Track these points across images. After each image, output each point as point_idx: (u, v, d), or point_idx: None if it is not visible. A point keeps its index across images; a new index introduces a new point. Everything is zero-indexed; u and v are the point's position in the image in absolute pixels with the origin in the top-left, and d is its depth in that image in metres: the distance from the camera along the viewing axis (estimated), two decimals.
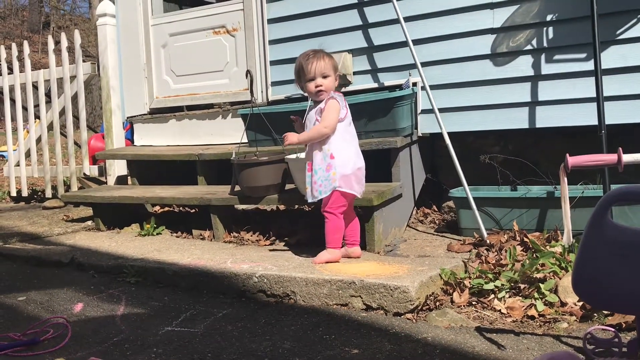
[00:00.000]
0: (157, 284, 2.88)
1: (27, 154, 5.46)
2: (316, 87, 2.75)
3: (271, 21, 4.23)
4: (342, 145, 2.76)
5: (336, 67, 2.82)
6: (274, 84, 4.26)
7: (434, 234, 3.40)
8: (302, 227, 3.41)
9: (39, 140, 5.37)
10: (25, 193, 5.49)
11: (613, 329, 1.89)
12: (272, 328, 2.25)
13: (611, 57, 3.17)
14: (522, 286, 2.39)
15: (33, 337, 2.20)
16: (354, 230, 2.89)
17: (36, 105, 5.42)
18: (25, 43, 5.37)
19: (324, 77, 2.75)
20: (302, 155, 3.10)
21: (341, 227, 2.80)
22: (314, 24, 4.04)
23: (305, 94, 2.99)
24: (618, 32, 3.16)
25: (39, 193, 5.71)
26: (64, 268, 3.26)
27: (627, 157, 2.51)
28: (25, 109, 5.55)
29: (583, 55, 3.26)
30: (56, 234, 3.99)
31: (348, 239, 2.87)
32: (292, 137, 2.81)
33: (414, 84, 3.62)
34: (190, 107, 4.64)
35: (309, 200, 2.82)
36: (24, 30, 22.02)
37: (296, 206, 3.85)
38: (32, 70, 5.37)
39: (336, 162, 2.74)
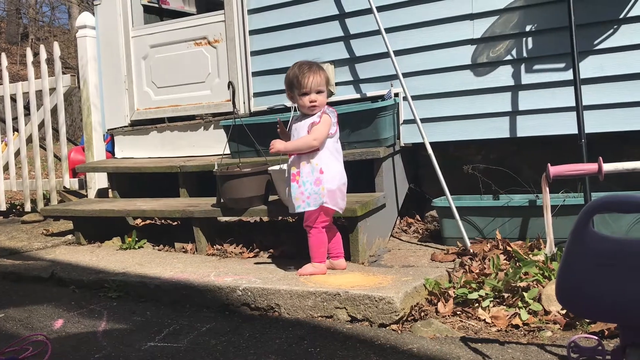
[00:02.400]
0: (139, 299, 2.84)
1: (5, 168, 5.38)
2: (310, 102, 2.74)
3: (253, 32, 4.23)
4: (331, 160, 2.77)
5: (328, 80, 2.84)
6: (256, 95, 4.25)
7: (417, 244, 3.41)
8: (286, 239, 3.40)
9: (17, 153, 5.29)
10: (3, 207, 5.40)
11: (596, 337, 1.90)
12: (257, 342, 2.23)
13: (589, 67, 3.22)
14: (506, 295, 2.40)
15: (12, 355, 2.16)
16: (336, 243, 2.88)
17: (14, 118, 5.35)
18: (3, 55, 5.30)
19: (318, 92, 2.75)
20: (285, 166, 3.09)
21: (325, 241, 2.80)
22: (296, 35, 4.05)
23: (294, 105, 2.98)
24: (595, 42, 3.21)
25: (18, 207, 5.62)
26: (44, 283, 3.21)
27: (608, 167, 2.54)
28: (3, 121, 5.47)
29: (562, 65, 3.31)
30: (35, 248, 3.92)
31: (332, 252, 2.86)
32: (279, 145, 2.77)
33: (396, 95, 3.64)
34: (172, 119, 4.61)
35: (295, 211, 2.79)
36: (2, 42, 21.75)
37: (280, 217, 3.84)
38: (10, 82, 5.30)
39: (325, 177, 2.73)
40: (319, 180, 2.72)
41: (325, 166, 2.74)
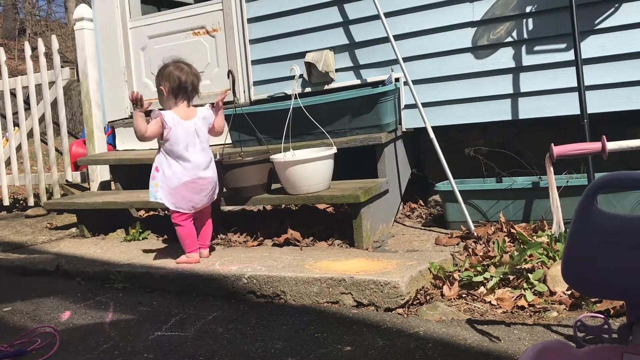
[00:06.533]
0: (145, 289, 2.85)
1: (7, 163, 5.38)
2: None
3: (251, 20, 4.20)
4: (165, 162, 2.92)
5: (158, 83, 3.02)
6: (256, 83, 4.23)
7: (421, 229, 3.41)
8: (290, 227, 3.40)
9: (19, 148, 5.29)
10: (6, 202, 5.41)
11: (602, 316, 1.90)
12: (264, 329, 2.23)
13: (591, 46, 3.19)
14: (511, 277, 2.40)
15: (20, 347, 2.17)
16: (204, 235, 3.06)
17: (15, 113, 5.34)
18: (1, 50, 5.28)
19: None
20: (289, 155, 3.09)
21: (189, 233, 2.97)
22: (295, 22, 4.02)
23: (294, 92, 2.98)
24: (596, 21, 3.19)
25: (21, 202, 5.63)
26: (50, 276, 3.22)
27: (611, 145, 2.53)
28: (3, 116, 5.46)
29: (563, 46, 3.29)
30: (40, 242, 3.93)
31: (199, 241, 3.03)
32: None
33: (397, 80, 3.62)
34: None
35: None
36: None
37: (283, 206, 3.84)
38: (9, 77, 5.29)
39: (158, 176, 2.93)
40: (153, 176, 2.94)
41: (160, 166, 2.93)
